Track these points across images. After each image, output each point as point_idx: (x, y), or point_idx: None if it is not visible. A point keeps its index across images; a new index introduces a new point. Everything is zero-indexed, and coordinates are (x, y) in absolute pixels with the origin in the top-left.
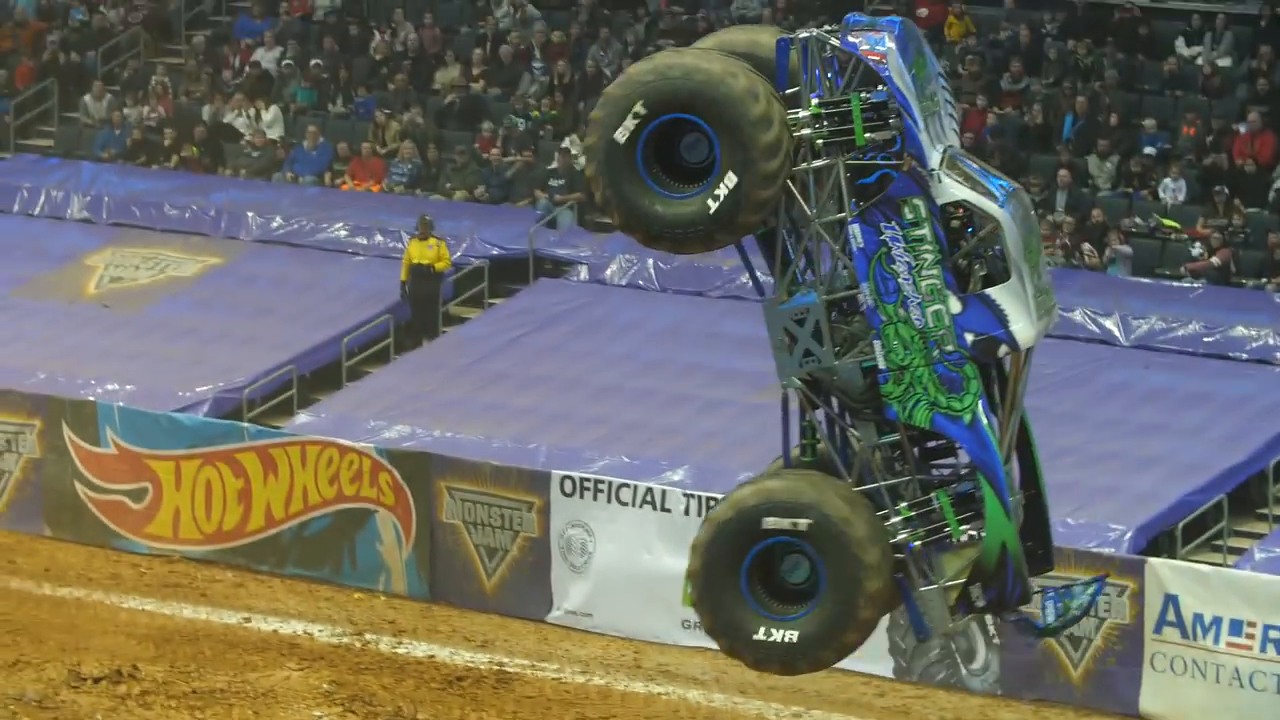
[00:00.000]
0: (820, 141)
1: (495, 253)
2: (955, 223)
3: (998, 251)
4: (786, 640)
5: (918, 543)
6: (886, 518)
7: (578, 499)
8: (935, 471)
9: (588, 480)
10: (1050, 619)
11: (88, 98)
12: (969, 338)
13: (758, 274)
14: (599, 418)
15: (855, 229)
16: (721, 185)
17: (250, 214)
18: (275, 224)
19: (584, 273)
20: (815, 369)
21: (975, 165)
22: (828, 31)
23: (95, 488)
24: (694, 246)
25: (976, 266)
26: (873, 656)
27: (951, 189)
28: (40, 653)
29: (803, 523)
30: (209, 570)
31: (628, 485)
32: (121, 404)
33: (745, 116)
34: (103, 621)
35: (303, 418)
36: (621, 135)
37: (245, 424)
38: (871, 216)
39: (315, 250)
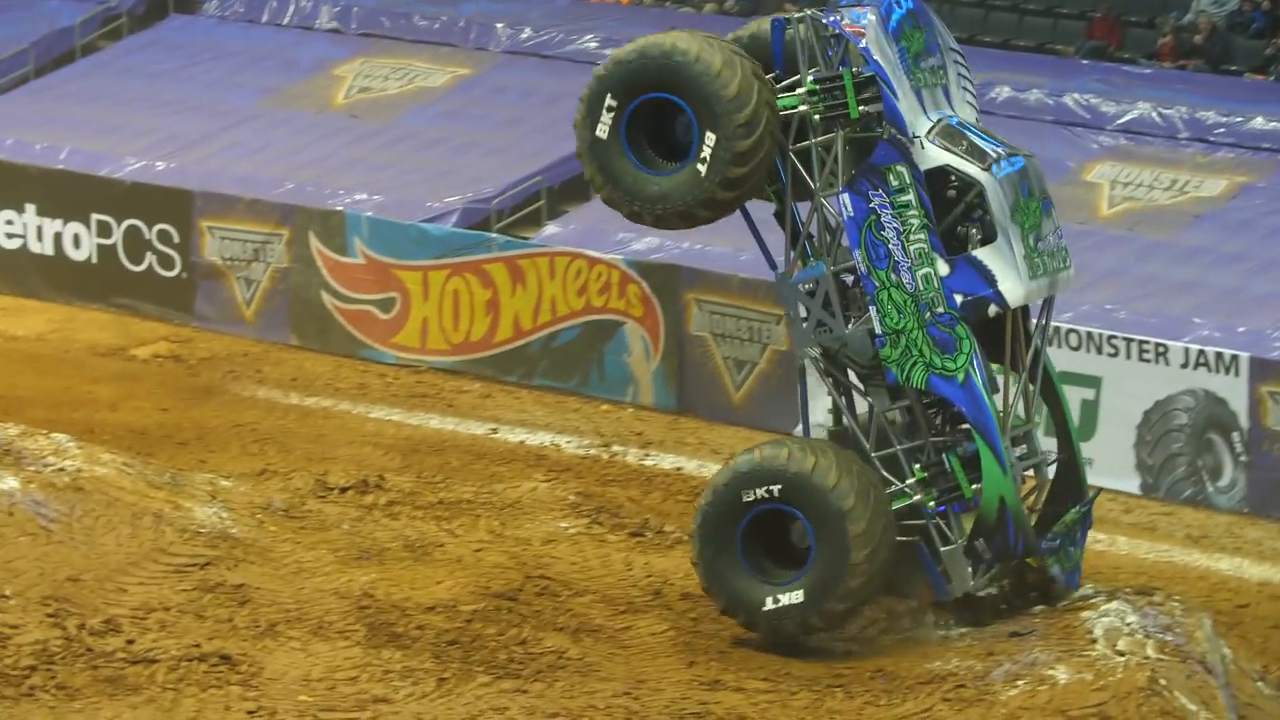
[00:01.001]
0: (817, 117)
1: None
2: (951, 191)
3: (986, 217)
4: (793, 601)
5: (932, 503)
6: (903, 480)
7: None
8: (954, 434)
9: None
10: (1061, 579)
11: None
12: (958, 299)
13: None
14: None
15: (845, 198)
16: (705, 148)
17: (499, 25)
18: (525, 35)
19: None
20: (828, 339)
21: (983, 135)
22: (821, 11)
23: (342, 297)
24: (702, 215)
25: (973, 230)
26: (1120, 473)
27: (934, 155)
28: (287, 462)
29: (775, 488)
30: (456, 381)
31: None
32: (369, 214)
33: (705, 74)
34: (349, 431)
35: (551, 229)
36: (603, 131)
37: (493, 234)
38: (860, 185)
39: (565, 61)
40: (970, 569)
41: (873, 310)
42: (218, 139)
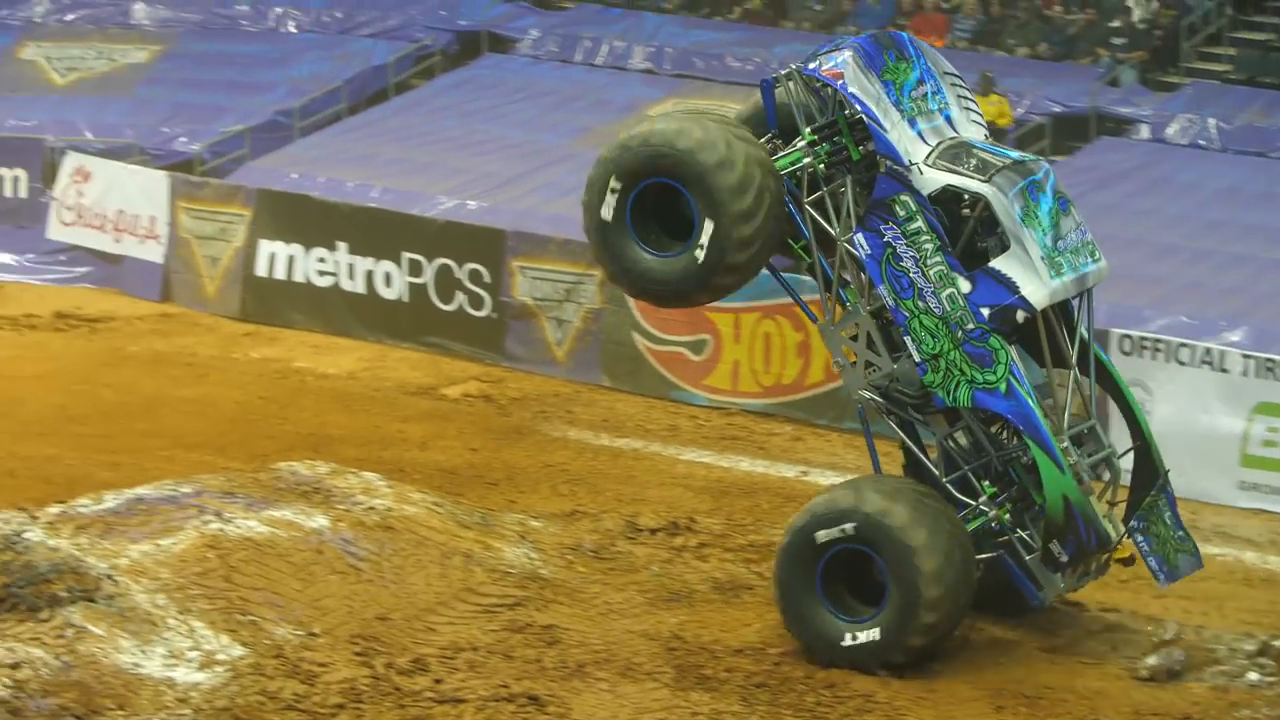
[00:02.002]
0: (822, 166)
1: (1056, 110)
2: (966, 210)
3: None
4: (870, 640)
5: (1008, 516)
6: (972, 503)
7: (1136, 358)
8: (1019, 445)
9: (1146, 339)
10: (1155, 566)
11: None
12: (985, 312)
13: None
14: (1158, 277)
15: (860, 237)
16: (704, 234)
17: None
18: None
19: (1145, 131)
20: (878, 378)
21: (993, 149)
22: (802, 64)
23: (654, 339)
24: (702, 298)
25: (991, 245)
26: None
27: (933, 178)
28: (597, 503)
29: (849, 527)
30: (767, 423)
31: (1187, 345)
32: None
33: (704, 165)
34: (660, 473)
35: None
36: (607, 212)
37: (805, 277)
38: (870, 222)
39: None
40: (1058, 573)
41: (908, 339)
42: (530, 178)
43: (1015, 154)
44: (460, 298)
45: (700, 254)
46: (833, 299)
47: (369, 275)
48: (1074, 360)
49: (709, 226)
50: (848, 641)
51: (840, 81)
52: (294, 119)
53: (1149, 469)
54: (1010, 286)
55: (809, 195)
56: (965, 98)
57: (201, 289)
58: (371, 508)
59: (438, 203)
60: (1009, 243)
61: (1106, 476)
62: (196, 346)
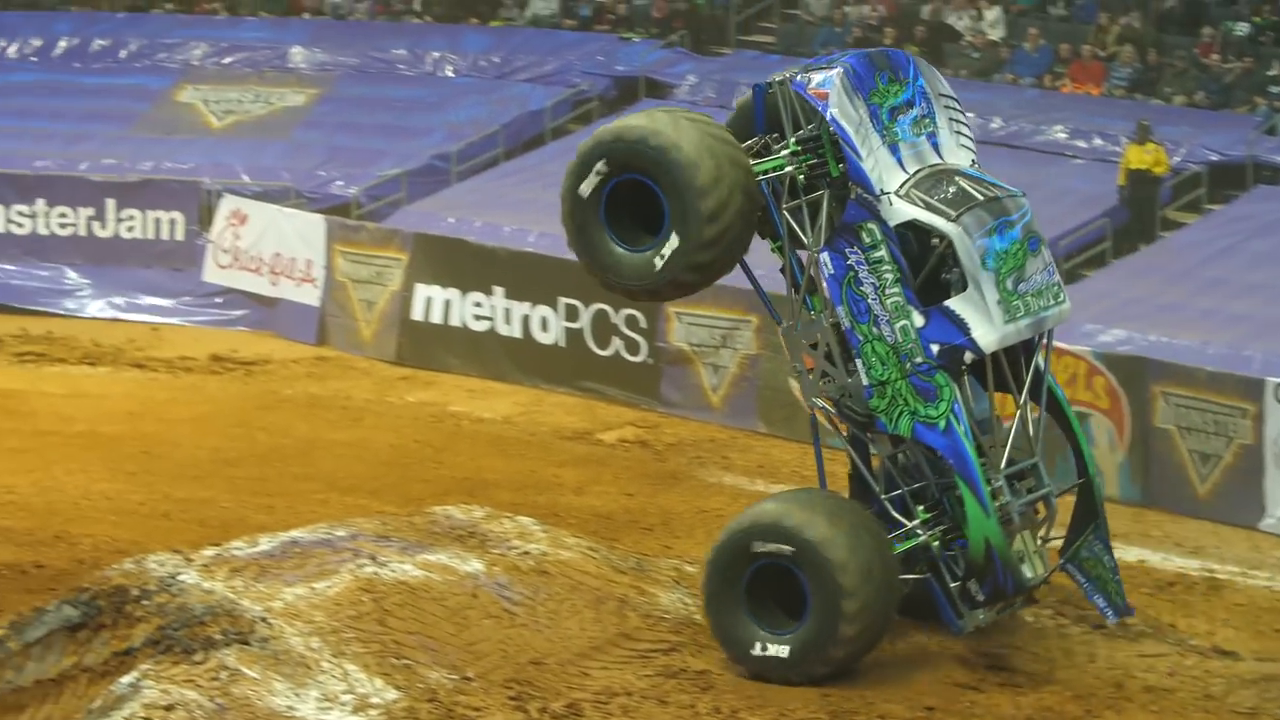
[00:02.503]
0: (802, 177)
1: (1214, 159)
2: (935, 240)
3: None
4: (778, 656)
5: (937, 543)
6: (906, 523)
7: None
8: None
9: None
10: (1083, 580)
11: None
12: (935, 348)
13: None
14: None
15: (825, 256)
16: (667, 246)
17: (969, 115)
18: (995, 125)
19: None
20: (832, 389)
21: (977, 179)
22: (793, 74)
23: None
24: (668, 294)
25: (954, 279)
26: None
27: (901, 210)
28: None
29: (787, 548)
30: None
31: None
32: None
33: (689, 184)
34: None
35: None
36: (585, 189)
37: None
38: (837, 243)
39: (1033, 152)
40: (975, 609)
41: (859, 363)
42: None
43: (997, 186)
44: (616, 343)
45: (659, 263)
46: (799, 303)
47: (525, 320)
48: (1025, 396)
49: (674, 241)
50: (756, 651)
51: (824, 103)
52: (451, 163)
53: (1089, 508)
54: (962, 327)
55: (788, 201)
56: (958, 121)
57: (357, 333)
58: (526, 552)
59: None
60: (964, 284)
61: (1042, 516)
62: (352, 390)
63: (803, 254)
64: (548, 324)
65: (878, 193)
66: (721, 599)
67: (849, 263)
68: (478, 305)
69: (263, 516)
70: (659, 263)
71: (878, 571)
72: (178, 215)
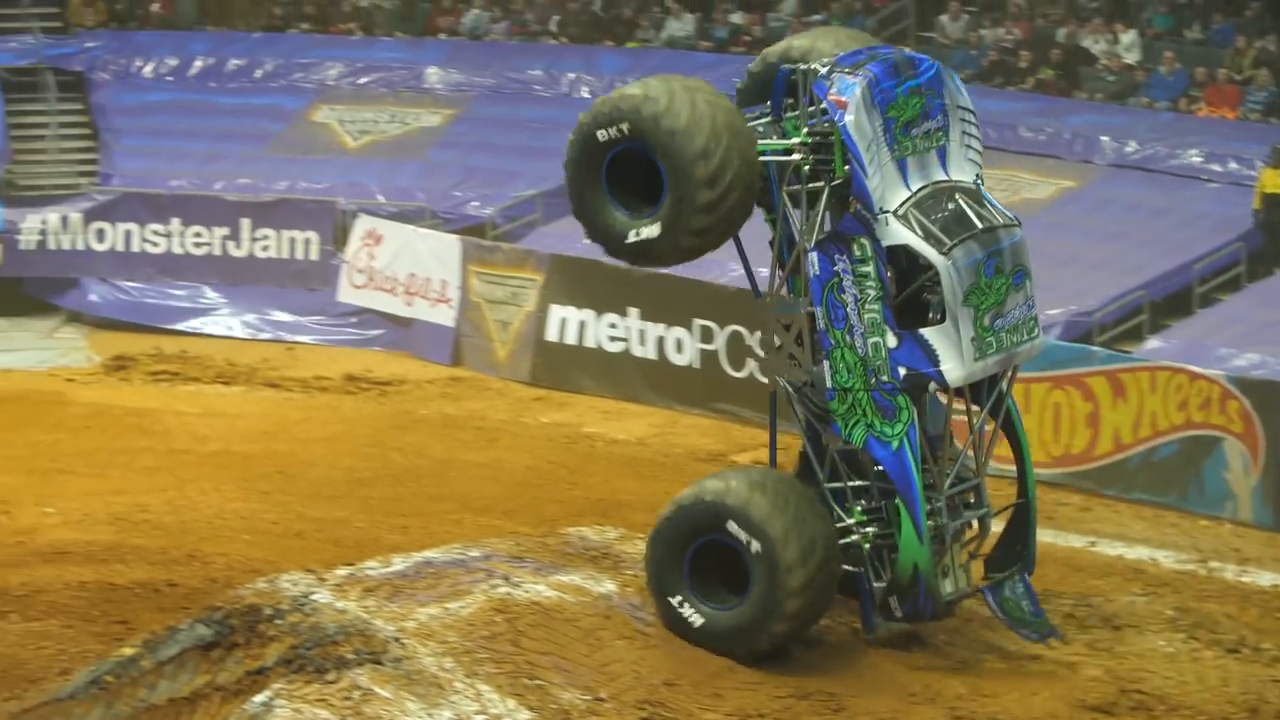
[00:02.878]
0: (806, 168)
1: None
2: (924, 262)
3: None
4: (725, 625)
5: (867, 545)
6: (843, 517)
7: None
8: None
9: None
10: (1000, 614)
11: (944, 17)
12: (901, 371)
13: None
14: None
15: (813, 257)
16: (670, 198)
17: (1104, 138)
18: (1129, 149)
19: None
20: (796, 373)
21: (977, 200)
22: (820, 66)
23: None
24: (669, 258)
25: (934, 303)
26: None
27: (895, 232)
28: None
29: (733, 524)
30: (1055, 493)
31: None
32: None
33: (684, 150)
34: None
35: (1153, 343)
36: (603, 135)
37: (1095, 348)
38: (828, 248)
39: (1169, 176)
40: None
41: (825, 365)
42: None
43: (996, 209)
44: (751, 365)
45: (666, 217)
46: (782, 282)
47: (660, 341)
48: (984, 416)
49: (670, 207)
50: (697, 624)
51: (841, 112)
52: None
53: (1020, 534)
54: (932, 358)
55: (789, 185)
56: (970, 134)
57: (492, 353)
58: None
59: (730, 269)
60: (943, 316)
61: (974, 534)
62: (486, 411)
63: (796, 234)
64: (682, 345)
65: (876, 212)
66: (665, 572)
67: (835, 269)
68: (612, 326)
69: (397, 536)
70: (655, 229)
71: (820, 550)
72: (312, 235)
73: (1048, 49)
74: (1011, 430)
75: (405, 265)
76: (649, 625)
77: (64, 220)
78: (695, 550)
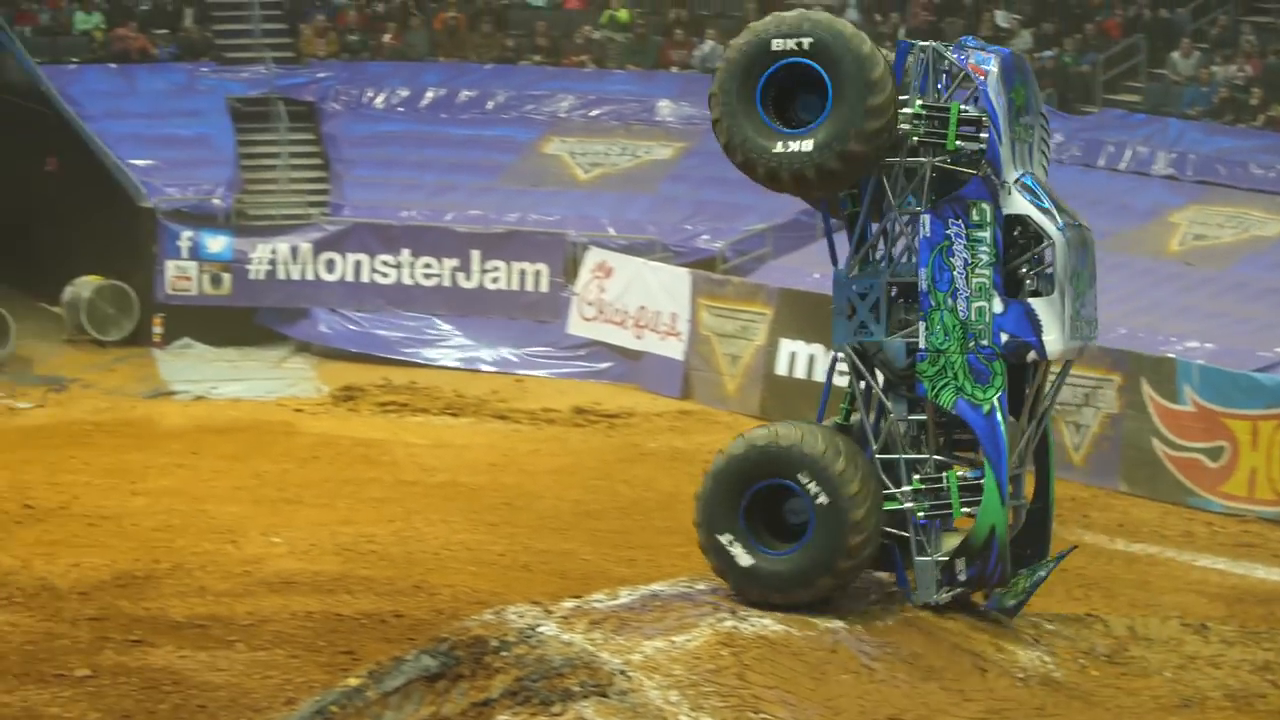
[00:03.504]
0: (915, 139)
1: None
2: (1019, 238)
3: (1048, 271)
4: (771, 570)
5: (922, 514)
6: (899, 486)
7: None
8: (952, 458)
9: None
10: (1006, 601)
11: (1175, 54)
12: (1004, 337)
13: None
14: None
15: (926, 219)
16: (835, 116)
17: None
18: None
19: None
20: (867, 340)
21: (1049, 198)
22: (945, 45)
23: (1172, 445)
24: (810, 177)
25: (1028, 280)
26: None
27: (1018, 203)
28: (1111, 607)
29: (804, 475)
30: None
31: None
32: (1201, 362)
33: (862, 74)
34: (1174, 579)
35: None
36: (779, 45)
37: None
38: (943, 211)
39: None
40: (937, 585)
41: (922, 325)
42: None
43: (1068, 211)
44: None
45: (825, 133)
46: (860, 256)
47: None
48: (1039, 414)
49: (836, 110)
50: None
51: (982, 80)
52: (816, 218)
53: (1038, 534)
54: (1036, 328)
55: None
56: (1045, 140)
57: (721, 386)
58: (885, 608)
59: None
60: (1050, 289)
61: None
62: (715, 444)
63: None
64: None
65: (1003, 179)
66: (719, 509)
67: (948, 232)
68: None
69: (624, 569)
70: (825, 134)
71: (876, 519)
72: (543, 267)
73: (1279, 86)
74: (1044, 436)
75: (635, 298)
76: (876, 660)
77: (294, 250)
78: (754, 492)
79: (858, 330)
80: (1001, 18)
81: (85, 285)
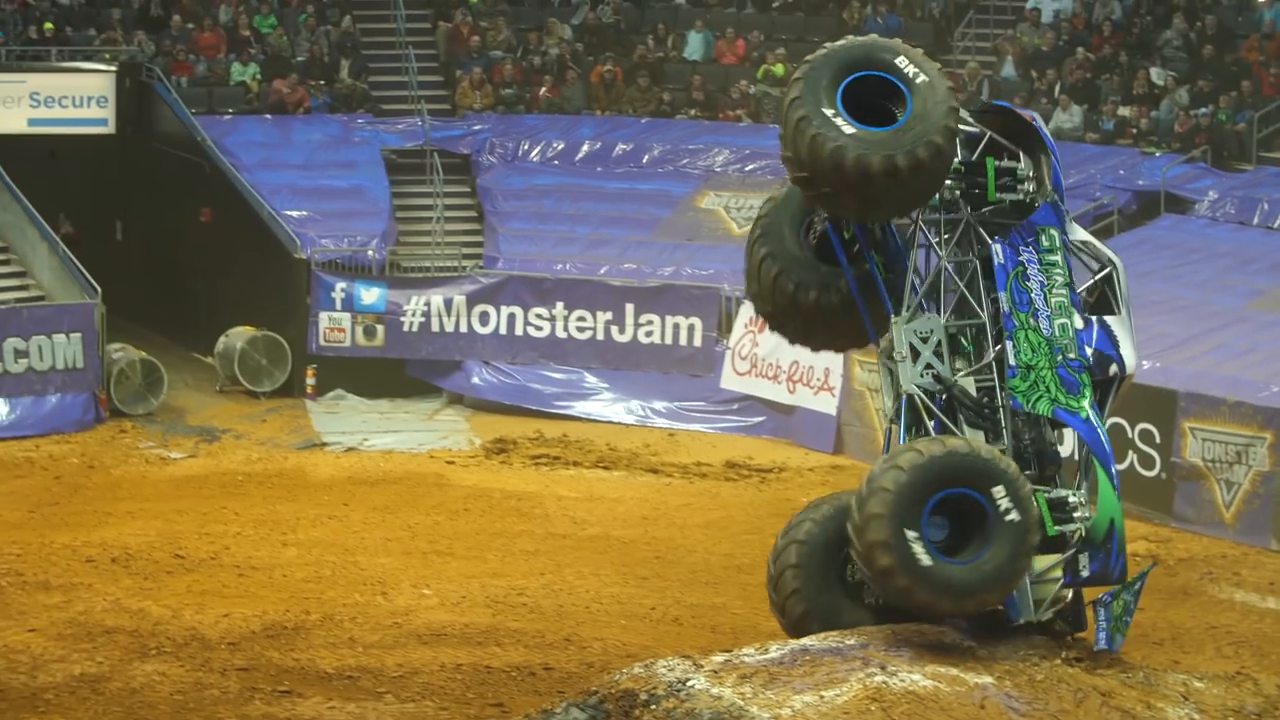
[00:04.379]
0: (952, 194)
1: None
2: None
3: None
4: (946, 576)
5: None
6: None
7: None
8: (1042, 477)
9: None
10: (1104, 629)
11: None
12: (1088, 351)
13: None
14: None
15: (998, 248)
16: (911, 125)
17: None
18: None
19: None
20: (929, 381)
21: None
22: (974, 108)
23: None
24: (876, 169)
25: (1090, 300)
26: None
27: (1079, 231)
28: (1261, 666)
29: (999, 490)
30: None
31: None
32: None
33: (945, 105)
34: None
35: None
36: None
37: None
38: (1012, 239)
39: None
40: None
41: (1008, 344)
42: (1204, 340)
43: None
44: (1131, 457)
45: (900, 135)
46: (906, 300)
47: None
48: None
49: (918, 117)
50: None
51: (1037, 123)
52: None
53: None
54: (1115, 343)
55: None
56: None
57: (875, 441)
58: (1036, 663)
59: None
60: (1117, 309)
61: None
62: None
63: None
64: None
65: (1067, 207)
66: (910, 504)
67: (1020, 258)
68: None
69: (774, 624)
70: (900, 136)
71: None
72: (696, 321)
73: None
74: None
75: (789, 353)
76: (1024, 716)
77: (448, 302)
78: (942, 497)
79: (924, 370)
80: (1156, 75)
81: (239, 336)
